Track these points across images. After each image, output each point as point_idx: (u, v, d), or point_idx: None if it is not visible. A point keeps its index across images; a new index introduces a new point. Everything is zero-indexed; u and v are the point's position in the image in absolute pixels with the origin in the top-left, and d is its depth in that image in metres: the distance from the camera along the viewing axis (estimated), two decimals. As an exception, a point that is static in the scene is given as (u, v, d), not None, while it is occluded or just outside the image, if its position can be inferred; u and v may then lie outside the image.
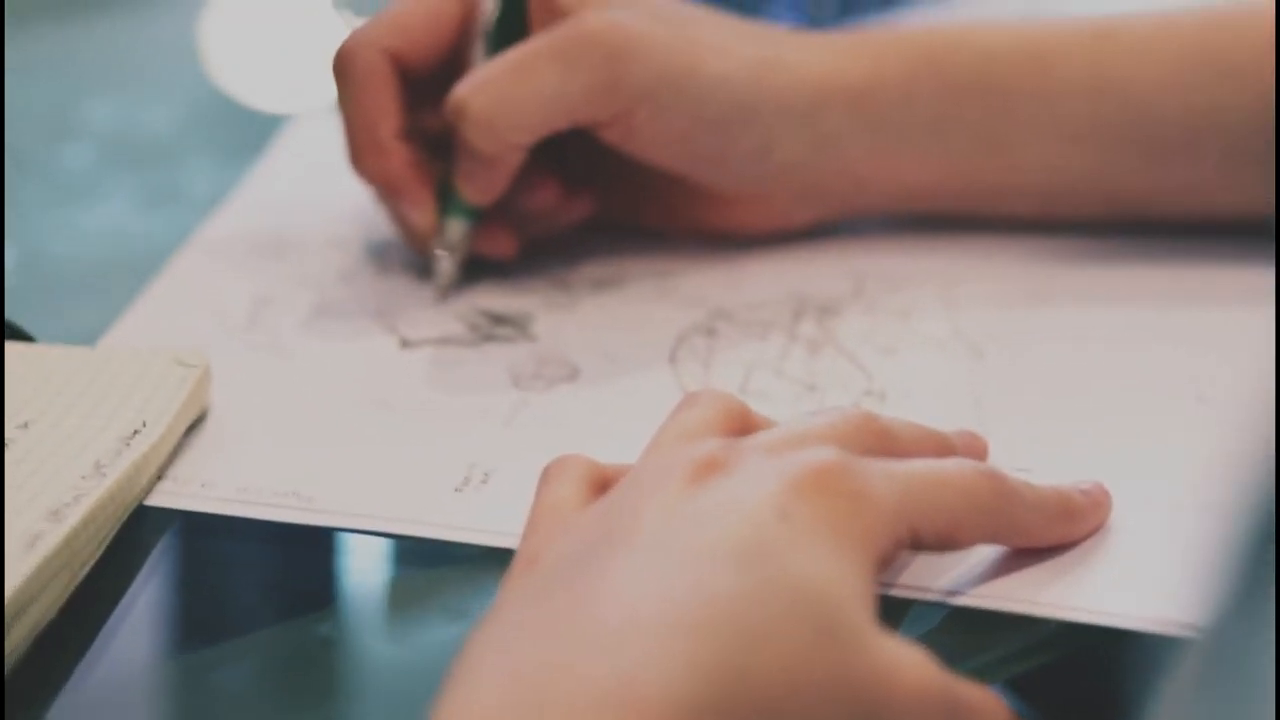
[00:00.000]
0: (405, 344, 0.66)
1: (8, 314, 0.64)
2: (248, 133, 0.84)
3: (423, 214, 0.68)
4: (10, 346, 0.61)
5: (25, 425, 0.57)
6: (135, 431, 0.57)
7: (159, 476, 0.58)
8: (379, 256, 0.71)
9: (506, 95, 0.64)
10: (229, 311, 0.67)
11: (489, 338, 0.66)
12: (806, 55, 0.68)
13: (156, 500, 0.57)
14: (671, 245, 0.71)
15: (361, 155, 0.68)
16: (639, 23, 0.65)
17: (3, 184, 0.76)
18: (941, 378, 0.63)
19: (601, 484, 0.51)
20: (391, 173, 0.68)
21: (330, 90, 0.68)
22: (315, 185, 0.76)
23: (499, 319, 0.67)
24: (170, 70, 0.93)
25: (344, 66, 0.68)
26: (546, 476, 0.52)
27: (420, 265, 0.70)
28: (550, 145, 0.67)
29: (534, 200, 0.69)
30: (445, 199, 0.68)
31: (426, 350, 0.65)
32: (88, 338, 0.65)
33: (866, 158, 0.68)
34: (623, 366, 0.64)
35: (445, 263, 0.68)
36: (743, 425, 0.52)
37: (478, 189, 0.67)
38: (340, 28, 0.92)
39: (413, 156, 0.68)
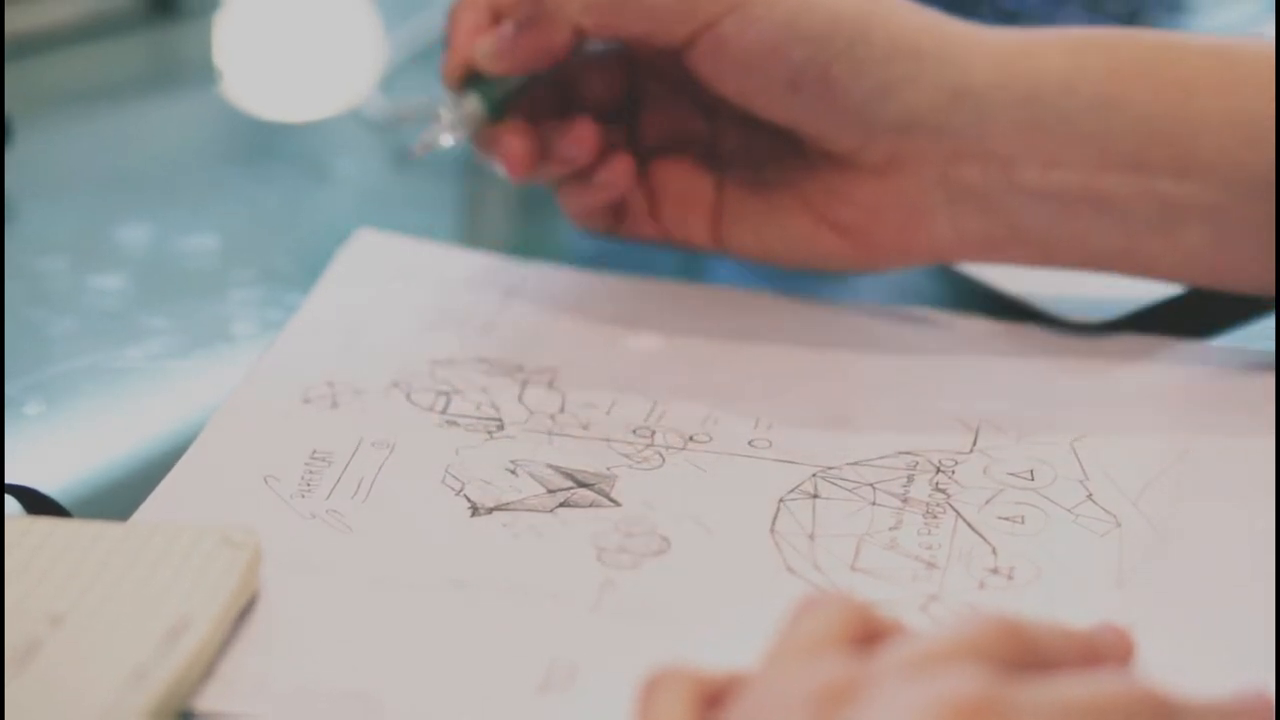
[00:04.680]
0: (476, 510, 0.59)
1: (34, 477, 0.60)
2: (299, 254, 0.77)
3: (456, 57, 0.66)
4: (39, 523, 0.56)
5: (57, 621, 0.52)
6: (179, 627, 0.52)
7: (206, 674, 0.52)
8: (444, 399, 0.65)
9: None
10: (281, 474, 0.61)
11: (567, 503, 0.60)
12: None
13: (203, 704, 0.51)
14: (765, 389, 0.66)
15: None
16: None
17: (3, 317, 0.69)
18: (1075, 553, 0.58)
19: (709, 699, 0.46)
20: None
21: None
22: (373, 318, 0.70)
23: (578, 480, 0.61)
24: (207, 175, 0.87)
25: None
26: (647, 694, 0.47)
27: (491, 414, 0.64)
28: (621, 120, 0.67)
29: (567, 140, 0.66)
30: (475, 76, 0.67)
31: (499, 518, 0.59)
32: (123, 503, 0.60)
33: (1015, 133, 0.63)
34: (718, 538, 0.58)
35: (439, 134, 0.67)
36: (868, 633, 0.47)
37: (501, 52, 0.65)
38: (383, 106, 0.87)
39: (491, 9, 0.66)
